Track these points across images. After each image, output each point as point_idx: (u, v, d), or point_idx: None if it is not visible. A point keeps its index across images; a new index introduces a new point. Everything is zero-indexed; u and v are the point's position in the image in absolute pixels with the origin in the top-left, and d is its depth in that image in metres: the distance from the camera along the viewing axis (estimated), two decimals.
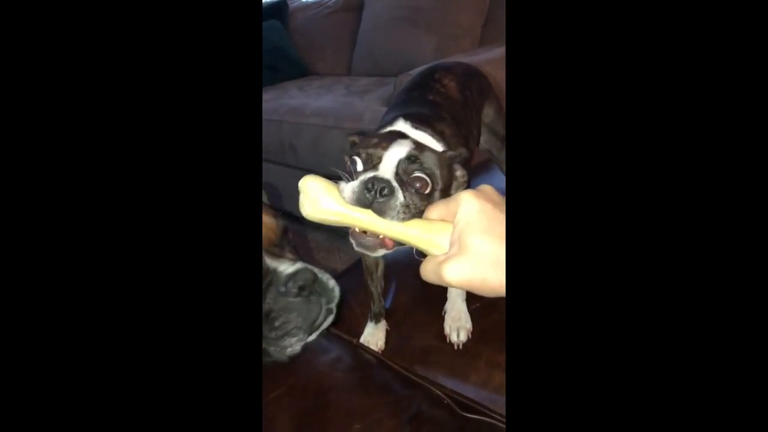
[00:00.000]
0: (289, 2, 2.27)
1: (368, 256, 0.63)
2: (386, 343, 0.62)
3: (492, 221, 0.29)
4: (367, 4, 1.98)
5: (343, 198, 0.37)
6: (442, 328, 0.61)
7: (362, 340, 0.63)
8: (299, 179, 1.35)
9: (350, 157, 0.44)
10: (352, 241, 0.42)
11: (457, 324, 0.60)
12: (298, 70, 2.06)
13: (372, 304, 0.64)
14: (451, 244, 0.32)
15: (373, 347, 0.61)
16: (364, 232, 0.40)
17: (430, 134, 0.52)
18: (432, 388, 0.52)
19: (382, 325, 0.64)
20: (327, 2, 2.16)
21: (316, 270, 0.40)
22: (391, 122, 0.55)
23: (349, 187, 0.37)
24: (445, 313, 0.61)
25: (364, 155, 0.43)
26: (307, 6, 2.23)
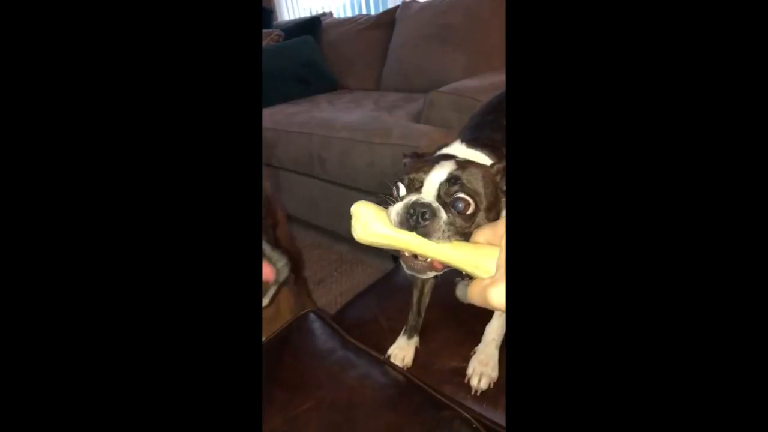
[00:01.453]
0: (322, 18, 2.34)
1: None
2: (414, 360, 0.62)
3: None
4: (398, 21, 2.02)
5: (391, 222, 0.38)
6: (471, 349, 0.60)
7: (390, 351, 0.62)
8: (326, 191, 1.37)
9: (395, 183, 0.46)
10: (403, 265, 0.43)
11: (482, 369, 0.57)
12: (328, 84, 2.11)
13: (410, 316, 0.63)
14: (498, 268, 0.32)
15: (399, 362, 0.61)
16: (415, 255, 0.40)
17: (486, 153, 0.52)
18: (461, 411, 0.51)
19: (414, 342, 0.63)
20: (359, 19, 2.21)
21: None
22: (447, 144, 0.56)
23: (394, 211, 0.39)
24: (474, 353, 0.59)
25: (406, 180, 0.44)
26: (340, 22, 2.29)
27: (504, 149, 0.56)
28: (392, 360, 0.61)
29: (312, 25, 2.26)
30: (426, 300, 0.65)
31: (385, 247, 0.39)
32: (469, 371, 0.58)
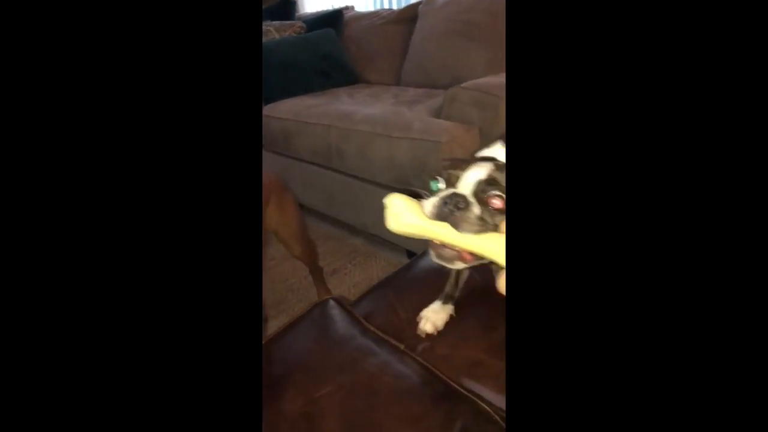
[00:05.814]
0: (344, 12, 2.34)
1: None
2: (434, 352, 0.62)
3: None
4: (420, 17, 2.01)
5: (425, 213, 0.40)
6: (493, 342, 0.59)
7: (423, 313, 0.63)
8: (343, 183, 1.40)
9: (433, 177, 0.47)
10: (432, 253, 0.44)
11: None
12: (348, 78, 2.11)
13: (447, 285, 0.64)
14: None
15: (430, 324, 0.62)
16: (444, 245, 0.42)
17: None
18: (479, 402, 0.51)
19: (448, 308, 0.64)
20: (381, 13, 2.21)
21: None
22: (488, 144, 0.57)
23: (430, 202, 0.41)
24: None
25: (445, 175, 0.46)
26: (362, 16, 2.29)
27: None
28: (424, 320, 0.62)
29: (334, 18, 2.26)
30: (465, 273, 0.66)
31: (416, 237, 0.40)
32: None
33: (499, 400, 0.54)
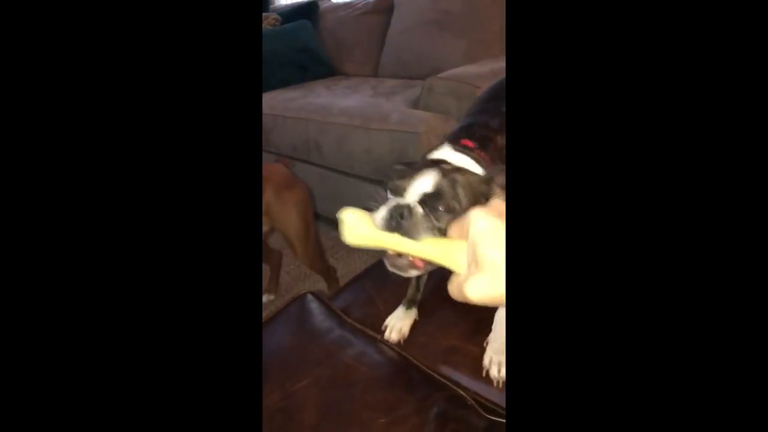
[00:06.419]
0: (319, 3, 2.30)
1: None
2: (410, 340, 0.62)
3: (502, 235, 0.29)
4: (396, 7, 1.99)
5: (375, 224, 0.42)
6: (467, 329, 0.60)
7: (387, 321, 0.64)
8: (323, 177, 1.40)
9: (383, 188, 0.50)
10: (386, 263, 0.46)
11: (500, 358, 0.55)
12: (325, 70, 2.09)
13: (409, 289, 0.65)
14: (469, 263, 0.32)
15: (395, 332, 0.62)
16: (399, 255, 0.44)
17: (473, 159, 0.56)
18: (456, 389, 0.52)
19: (412, 313, 0.65)
20: (357, 4, 2.18)
21: None
22: (437, 147, 0.59)
23: (379, 215, 0.43)
24: (487, 344, 0.58)
25: (392, 186, 0.49)
26: (338, 7, 2.26)
27: (497, 138, 0.60)
28: (389, 329, 0.62)
29: (309, 10, 2.23)
30: (425, 276, 0.67)
31: (372, 248, 0.42)
32: (486, 362, 0.56)
33: (475, 385, 0.55)
